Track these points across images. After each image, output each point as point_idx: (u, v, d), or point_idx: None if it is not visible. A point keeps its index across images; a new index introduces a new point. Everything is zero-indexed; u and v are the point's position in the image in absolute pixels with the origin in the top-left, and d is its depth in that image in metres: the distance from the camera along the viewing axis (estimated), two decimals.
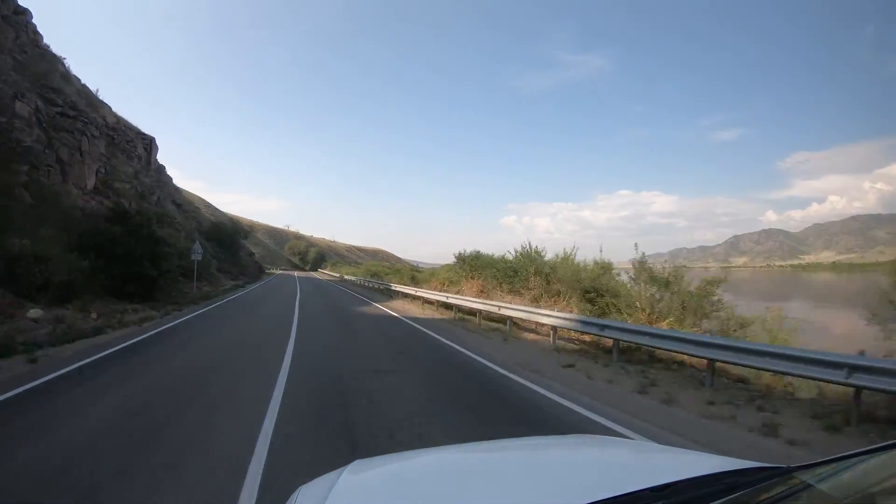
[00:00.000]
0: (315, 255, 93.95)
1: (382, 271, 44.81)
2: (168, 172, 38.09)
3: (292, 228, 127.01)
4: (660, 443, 3.61)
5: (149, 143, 33.16)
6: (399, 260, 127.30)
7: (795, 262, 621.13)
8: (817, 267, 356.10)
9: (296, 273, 64.65)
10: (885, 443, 0.92)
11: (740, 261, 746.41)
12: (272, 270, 64.84)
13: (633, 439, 3.53)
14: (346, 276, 45.08)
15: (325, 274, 66.75)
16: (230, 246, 38.41)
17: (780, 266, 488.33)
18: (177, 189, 38.16)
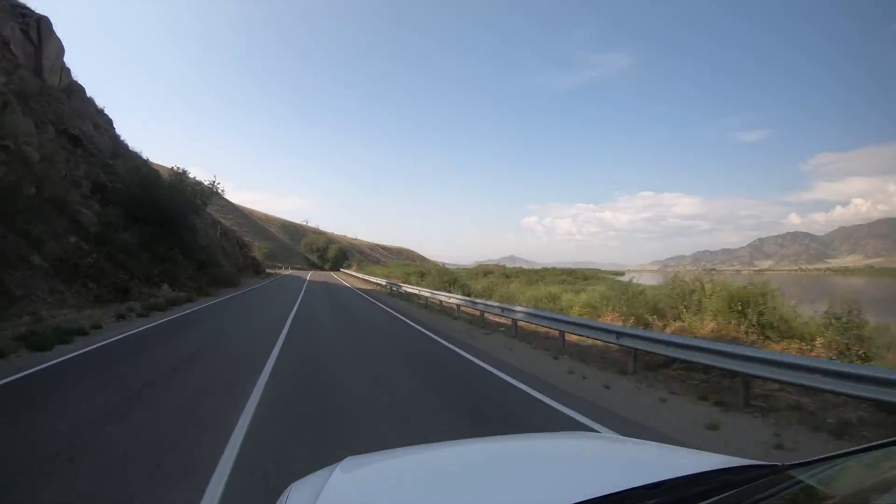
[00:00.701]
0: (336, 252, 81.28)
1: (460, 275, 25.95)
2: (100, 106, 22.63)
3: (311, 224, 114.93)
4: None
5: (33, 27, 17.37)
6: (425, 260, 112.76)
7: (823, 265, 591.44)
8: (855, 272, 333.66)
9: (309, 275, 47.50)
10: (879, 441, 0.91)
11: (765, 264, 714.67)
12: (278, 270, 50.93)
13: (625, 437, 2.60)
14: (407, 288, 21.60)
15: (350, 276, 47.75)
16: (167, 222, 19.39)
17: (816, 270, 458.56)
18: (101, 127, 22.12)
